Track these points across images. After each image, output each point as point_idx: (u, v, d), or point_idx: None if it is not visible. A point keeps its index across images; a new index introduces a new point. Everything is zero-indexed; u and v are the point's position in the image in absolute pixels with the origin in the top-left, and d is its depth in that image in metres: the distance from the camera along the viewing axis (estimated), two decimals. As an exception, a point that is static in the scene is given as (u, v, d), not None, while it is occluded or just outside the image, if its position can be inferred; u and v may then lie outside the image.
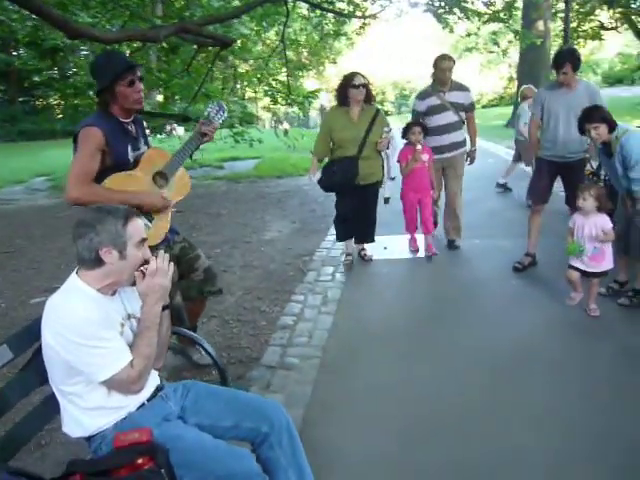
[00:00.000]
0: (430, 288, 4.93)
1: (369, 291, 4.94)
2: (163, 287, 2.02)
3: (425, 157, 5.49)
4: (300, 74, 14.33)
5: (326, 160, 5.42)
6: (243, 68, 13.34)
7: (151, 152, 3.09)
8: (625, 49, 34.27)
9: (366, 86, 5.10)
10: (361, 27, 13.46)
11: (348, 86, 5.07)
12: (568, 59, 4.62)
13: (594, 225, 4.00)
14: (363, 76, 5.12)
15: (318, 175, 5.34)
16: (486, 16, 11.28)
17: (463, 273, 5.20)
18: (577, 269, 4.14)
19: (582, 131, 4.20)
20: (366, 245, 5.79)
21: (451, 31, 11.89)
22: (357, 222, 5.49)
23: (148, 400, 2.06)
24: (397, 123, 24.40)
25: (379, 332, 4.11)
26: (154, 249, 2.26)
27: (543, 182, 4.99)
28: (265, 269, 5.65)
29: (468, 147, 6.03)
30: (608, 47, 33.95)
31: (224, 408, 2.13)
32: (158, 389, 2.13)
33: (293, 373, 3.57)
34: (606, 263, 4.09)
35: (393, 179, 6.94)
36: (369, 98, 5.23)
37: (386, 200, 6.23)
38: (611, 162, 4.12)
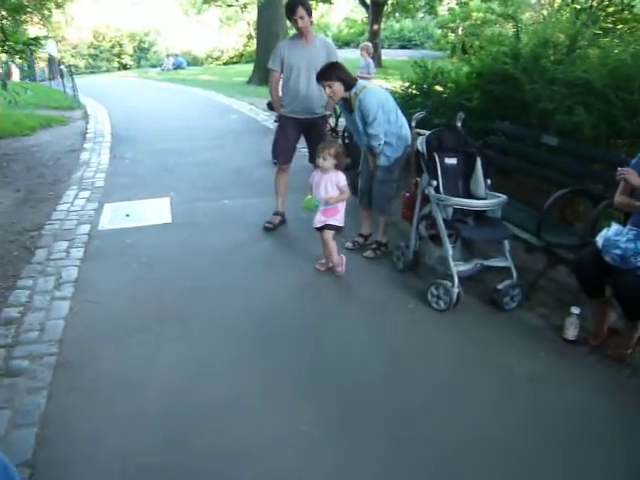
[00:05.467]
0: (179, 257, 4.53)
1: (111, 266, 4.38)
2: None
3: None
4: (20, 18, 12.27)
5: None
6: None
7: None
8: (351, 14, 36.93)
9: None
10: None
11: None
12: (299, 2, 4.54)
13: (329, 181, 4.01)
14: None
15: None
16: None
17: (214, 237, 4.92)
18: (318, 229, 4.15)
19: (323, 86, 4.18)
20: None
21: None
22: None
23: None
24: (139, 79, 23.00)
25: (125, 313, 3.68)
26: None
27: (288, 141, 4.92)
28: (-20, 251, 4.69)
29: None
30: (337, 12, 36.20)
31: None
32: None
33: (22, 379, 2.98)
34: (340, 218, 4.11)
35: None
36: None
37: None
38: (352, 118, 4.18)
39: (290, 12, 4.55)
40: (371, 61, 9.92)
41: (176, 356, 3.21)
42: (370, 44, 11.10)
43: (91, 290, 3.98)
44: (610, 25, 6.32)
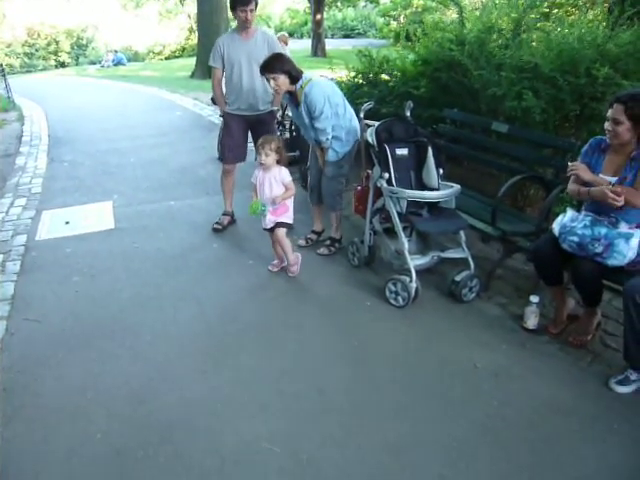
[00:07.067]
0: (124, 265, 4.28)
1: (51, 279, 4.10)
2: None
3: None
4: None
5: None
6: None
7: None
8: (293, 4, 36.52)
9: None
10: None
11: None
12: None
13: (274, 179, 3.83)
14: None
15: None
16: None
17: (160, 242, 4.68)
18: (269, 229, 3.98)
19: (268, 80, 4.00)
20: None
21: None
22: None
23: None
24: (78, 77, 22.19)
25: (66, 330, 3.44)
26: None
27: (235, 139, 4.72)
28: None
29: None
30: (279, 2, 35.73)
31: None
32: None
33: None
34: (290, 214, 3.95)
35: None
36: None
37: None
38: (299, 112, 4.01)
39: (242, 4, 4.29)
40: (288, 52, 9.71)
41: (123, 375, 3.00)
42: (286, 34, 10.94)
43: (29, 307, 3.71)
44: (547, 10, 6.36)
